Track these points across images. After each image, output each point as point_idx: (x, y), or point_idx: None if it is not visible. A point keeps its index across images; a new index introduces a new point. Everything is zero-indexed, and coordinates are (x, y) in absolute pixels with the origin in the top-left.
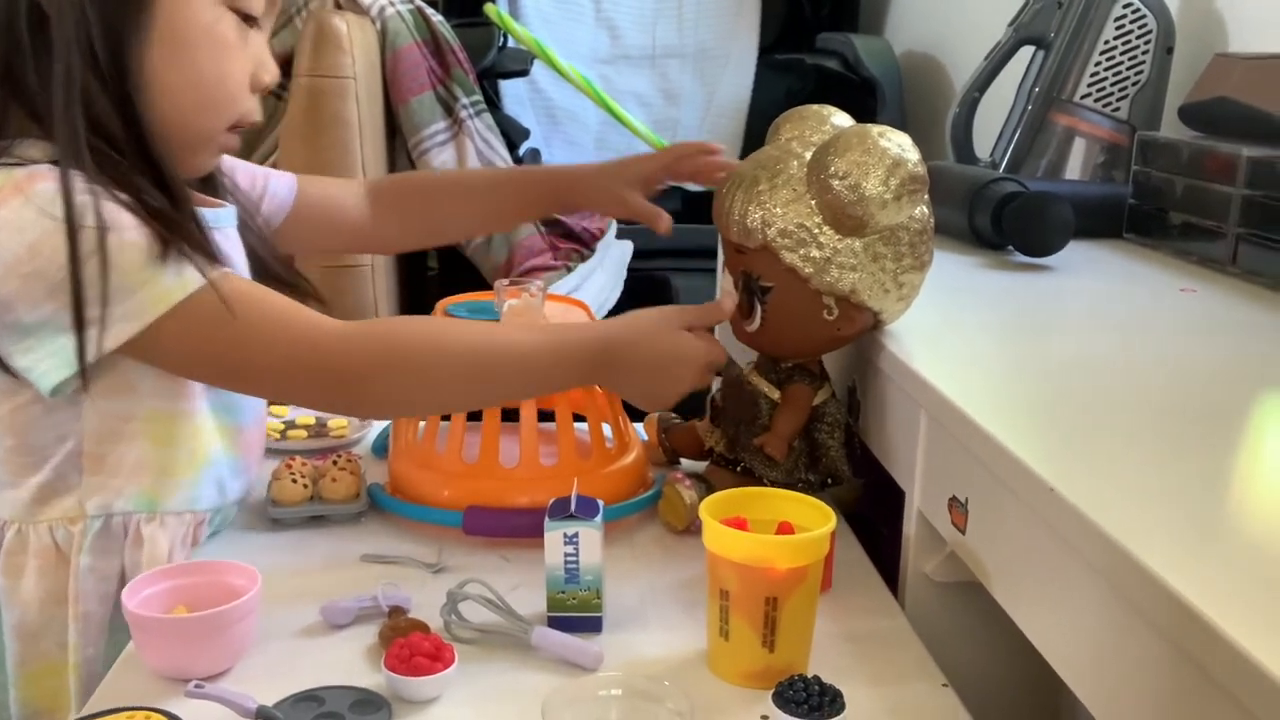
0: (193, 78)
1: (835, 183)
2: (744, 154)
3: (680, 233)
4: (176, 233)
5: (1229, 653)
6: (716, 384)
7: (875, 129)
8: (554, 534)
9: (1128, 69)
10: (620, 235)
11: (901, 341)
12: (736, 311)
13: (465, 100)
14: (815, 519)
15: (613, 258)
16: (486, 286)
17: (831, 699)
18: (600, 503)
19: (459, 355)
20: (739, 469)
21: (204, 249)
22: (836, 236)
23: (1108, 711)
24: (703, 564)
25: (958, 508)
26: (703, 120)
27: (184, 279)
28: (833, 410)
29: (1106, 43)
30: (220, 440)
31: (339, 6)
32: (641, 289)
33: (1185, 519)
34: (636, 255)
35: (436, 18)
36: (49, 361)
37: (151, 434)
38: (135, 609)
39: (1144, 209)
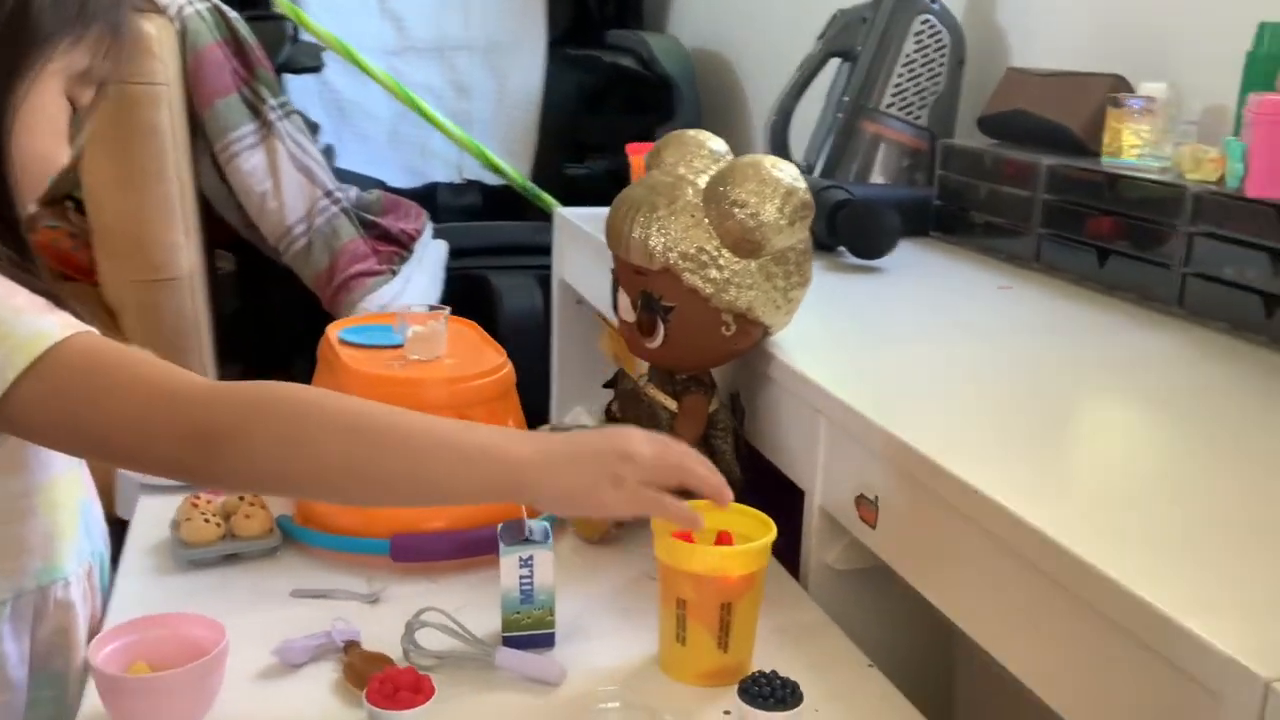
0: (31, 156)
1: (736, 210)
2: (539, 148)
3: (493, 229)
4: (26, 283)
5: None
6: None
7: (766, 160)
8: (510, 558)
9: (926, 80)
10: (435, 234)
11: (782, 349)
12: (635, 329)
13: (273, 101)
14: (753, 526)
15: (430, 258)
16: (292, 288)
17: (791, 690)
18: (548, 526)
19: (348, 423)
20: None
21: (55, 300)
22: (735, 259)
23: (1025, 668)
24: (626, 571)
25: (866, 504)
26: (495, 113)
27: (42, 333)
28: (723, 417)
29: (908, 56)
30: (82, 482)
31: (136, 8)
32: (461, 289)
33: (1075, 501)
34: (452, 254)
35: (233, 15)
36: None
37: (47, 502)
38: (106, 669)
39: (948, 210)
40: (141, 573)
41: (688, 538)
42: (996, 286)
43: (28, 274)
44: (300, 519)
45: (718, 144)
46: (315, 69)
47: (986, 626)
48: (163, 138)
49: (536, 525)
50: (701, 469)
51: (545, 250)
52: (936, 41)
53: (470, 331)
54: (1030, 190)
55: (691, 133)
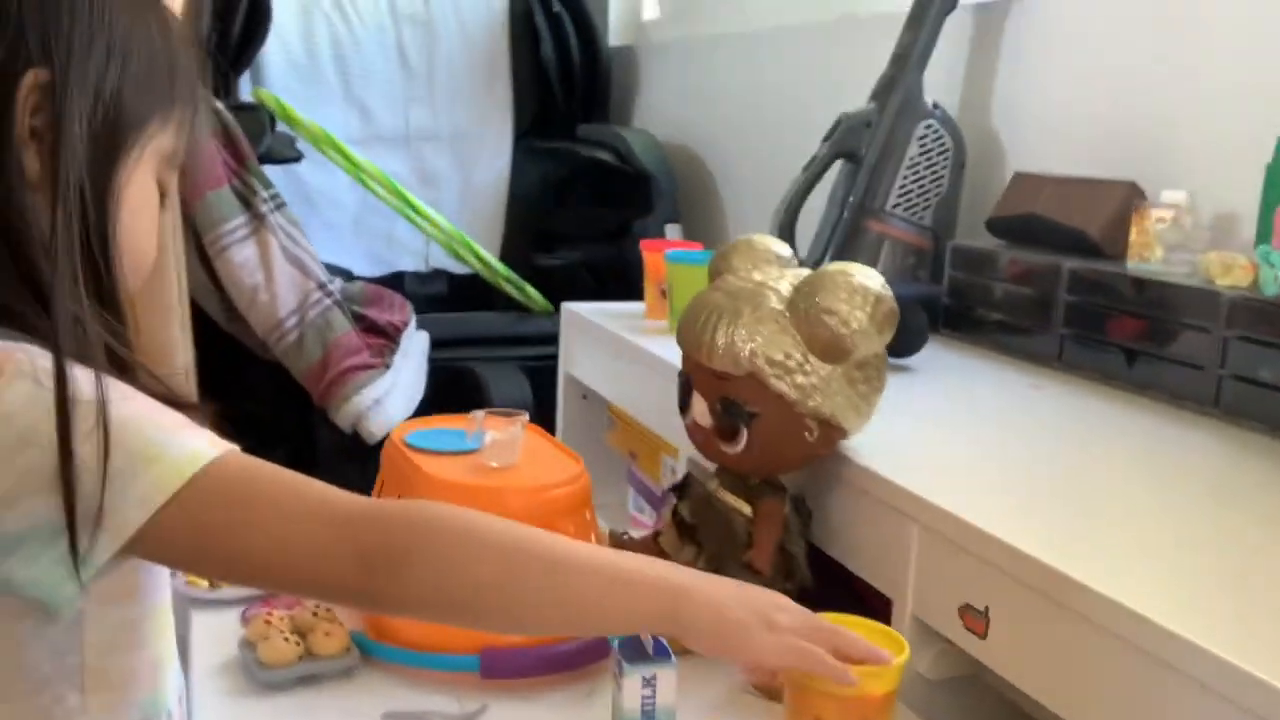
0: (133, 246)
1: (827, 317)
2: (505, 238)
3: (473, 320)
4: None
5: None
6: (669, 500)
7: (853, 267)
8: (633, 678)
9: (930, 182)
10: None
11: (856, 452)
12: (715, 434)
13: (264, 193)
14: (883, 640)
15: (415, 350)
16: (264, 381)
17: None
18: (666, 643)
19: (511, 544)
20: None
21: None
22: (821, 365)
23: None
24: (715, 687)
25: (973, 615)
26: (461, 203)
27: (196, 453)
28: (794, 522)
29: (912, 159)
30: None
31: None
32: (447, 381)
33: (1219, 610)
34: (434, 345)
35: (219, 106)
36: (61, 570)
37: (155, 629)
38: None
39: (957, 308)
40: (217, 695)
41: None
42: (1029, 385)
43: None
44: (375, 635)
45: (784, 249)
46: (295, 159)
47: None
48: (163, 231)
49: (655, 641)
50: (857, 637)
51: (528, 341)
52: (939, 145)
53: (539, 437)
54: (1052, 291)
55: (758, 238)
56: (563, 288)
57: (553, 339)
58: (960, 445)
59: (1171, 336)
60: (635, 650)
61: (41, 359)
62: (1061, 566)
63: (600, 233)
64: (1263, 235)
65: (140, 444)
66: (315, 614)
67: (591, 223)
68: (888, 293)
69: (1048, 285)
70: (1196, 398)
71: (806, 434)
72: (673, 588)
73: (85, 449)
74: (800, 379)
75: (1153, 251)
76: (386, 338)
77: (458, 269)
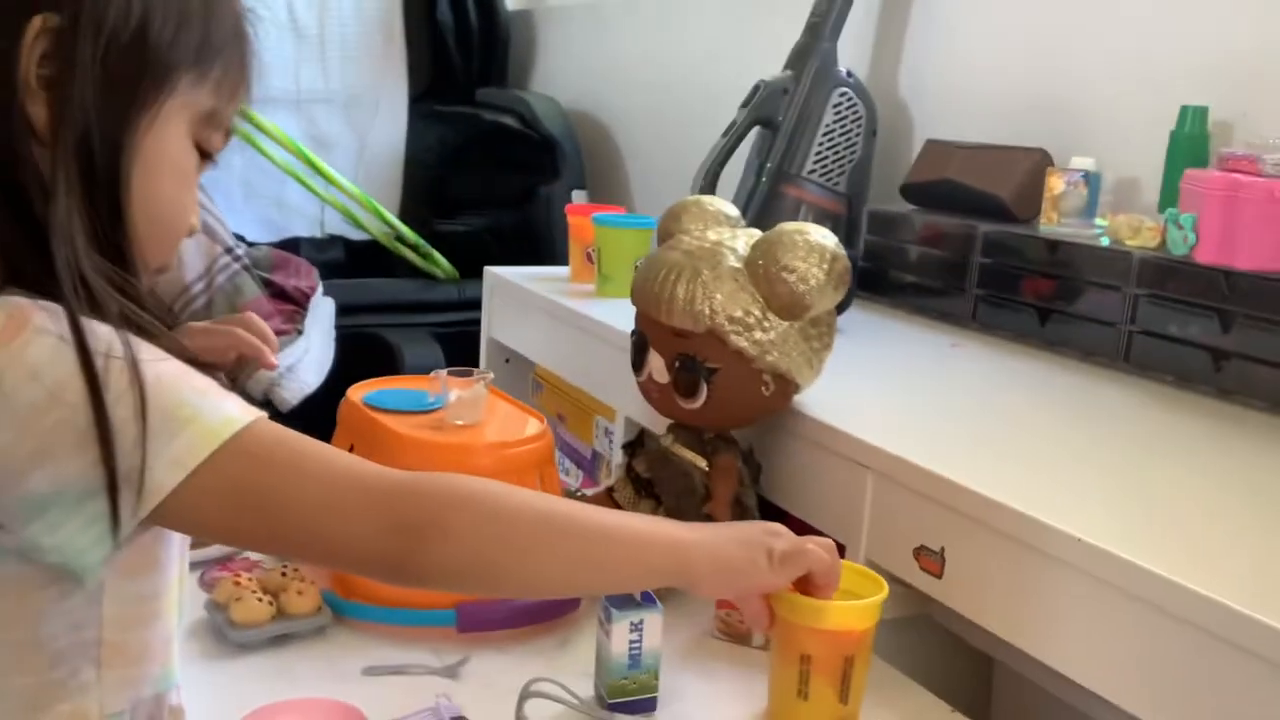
0: (160, 204)
1: (786, 275)
2: (403, 203)
3: (379, 286)
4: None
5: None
6: (620, 457)
7: (805, 226)
8: (621, 623)
9: (844, 148)
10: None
11: (805, 406)
12: (673, 390)
13: None
14: (863, 580)
15: (322, 315)
16: None
17: None
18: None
19: (560, 523)
20: None
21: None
22: (779, 322)
23: (1154, 711)
24: (686, 633)
25: (929, 555)
26: (356, 167)
27: (230, 418)
28: (746, 473)
29: (827, 126)
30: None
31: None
32: (357, 347)
33: (1150, 533)
34: (341, 312)
35: None
36: (87, 535)
37: (170, 604)
38: None
39: (874, 271)
40: (189, 659)
41: (806, 593)
42: (949, 344)
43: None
44: (344, 593)
45: (731, 210)
46: None
47: (1087, 666)
48: None
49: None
50: (825, 553)
51: (437, 307)
52: (853, 113)
53: (498, 397)
54: (967, 253)
55: (707, 199)
56: (466, 253)
57: (461, 305)
58: (894, 400)
59: (1083, 295)
60: (622, 598)
61: (65, 318)
62: (1017, 506)
63: (504, 198)
64: (1168, 199)
65: (174, 405)
66: (284, 574)
67: (494, 188)
68: (842, 251)
69: (962, 248)
70: (1106, 353)
71: (763, 389)
72: (680, 544)
73: (120, 408)
74: (759, 335)
75: (1062, 214)
76: (295, 304)
77: (355, 235)
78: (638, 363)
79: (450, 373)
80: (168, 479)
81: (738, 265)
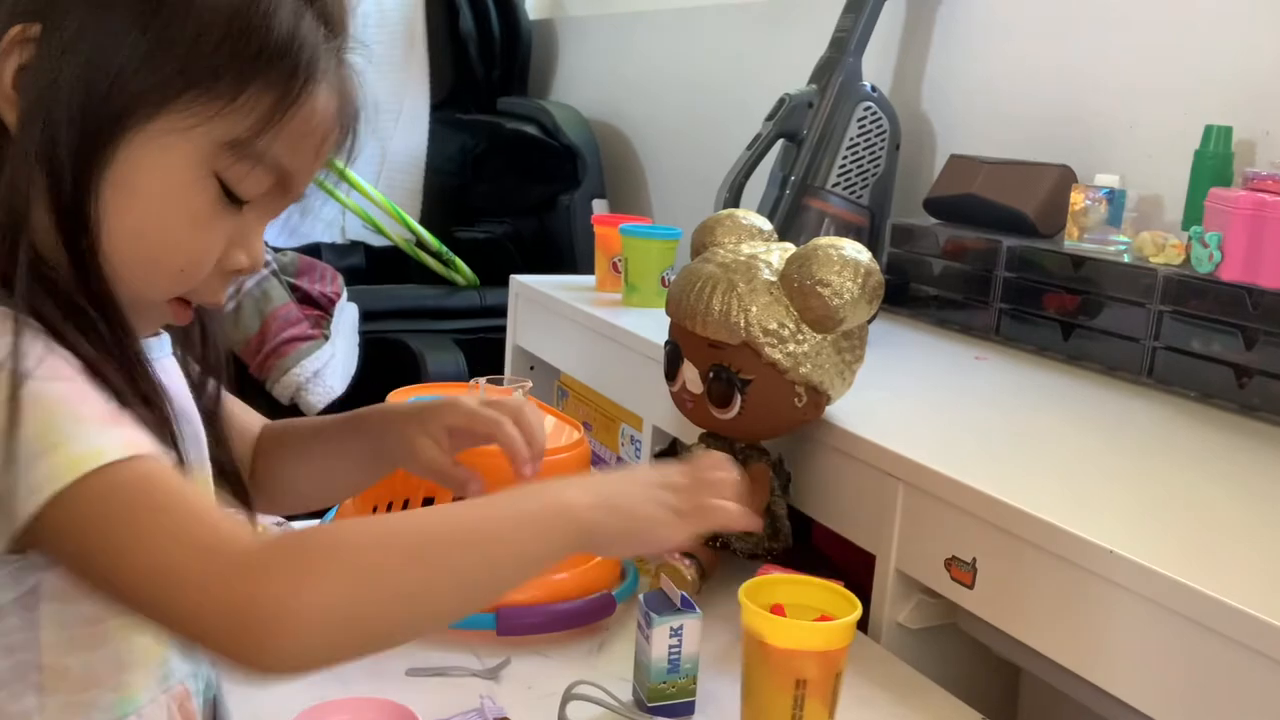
0: (138, 232)
1: (820, 289)
2: (424, 210)
3: (402, 292)
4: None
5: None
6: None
7: (839, 241)
8: (661, 628)
9: (868, 162)
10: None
11: (836, 417)
12: (707, 400)
13: None
14: (840, 600)
15: (346, 321)
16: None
17: None
18: (686, 595)
19: (435, 547)
20: (716, 544)
21: (153, 407)
22: (813, 334)
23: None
24: (719, 637)
25: (960, 566)
26: (379, 175)
27: (96, 448)
28: (776, 483)
29: (851, 139)
30: None
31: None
32: (380, 353)
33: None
34: (364, 318)
35: None
36: None
37: (121, 627)
38: None
39: (897, 284)
40: None
41: (781, 614)
42: (974, 357)
43: (119, 368)
44: None
45: (764, 223)
46: None
47: (1118, 677)
48: None
49: (680, 592)
50: (732, 507)
51: (458, 314)
52: (877, 127)
53: (536, 405)
54: (991, 267)
55: (740, 213)
56: (485, 261)
57: (482, 312)
58: (921, 411)
59: (1106, 311)
60: (662, 603)
61: None
62: (1050, 518)
63: (524, 206)
64: (1192, 217)
65: (44, 428)
66: None
67: (514, 196)
68: (876, 266)
69: (986, 262)
70: (1129, 367)
71: (796, 400)
72: (573, 511)
73: None
74: (792, 347)
75: (1086, 230)
76: (321, 309)
77: (375, 241)
78: (671, 373)
79: (488, 380)
80: (24, 506)
81: (772, 279)
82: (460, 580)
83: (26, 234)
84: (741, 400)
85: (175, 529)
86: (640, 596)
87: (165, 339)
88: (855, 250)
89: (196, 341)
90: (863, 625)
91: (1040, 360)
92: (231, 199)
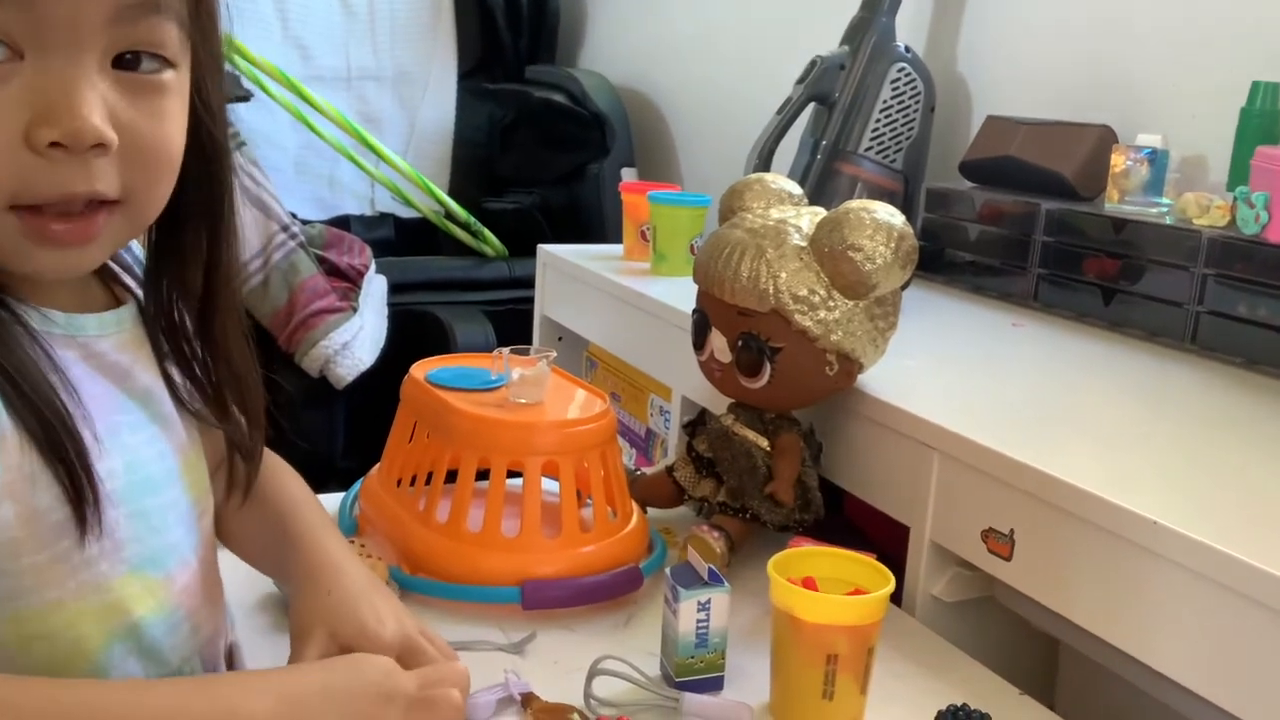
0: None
1: (852, 254)
2: (452, 180)
3: (430, 264)
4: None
5: None
6: (678, 436)
7: (871, 204)
8: (688, 602)
9: (902, 125)
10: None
11: (868, 385)
12: (736, 370)
13: None
14: (872, 573)
15: (374, 293)
16: None
17: None
18: (714, 568)
19: (38, 704)
20: (746, 515)
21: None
22: (844, 301)
23: (1228, 696)
24: (748, 611)
25: (997, 538)
26: (407, 144)
27: None
28: (807, 453)
29: (884, 102)
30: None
31: None
32: (409, 324)
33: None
34: (392, 289)
35: None
36: None
37: (23, 636)
38: None
39: (932, 250)
40: (257, 632)
41: (813, 588)
42: (1010, 323)
43: None
44: (411, 569)
45: (794, 188)
46: (244, 98)
47: (1160, 649)
48: None
49: (707, 566)
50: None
51: (487, 285)
52: (911, 89)
53: (561, 376)
54: (1029, 231)
55: (769, 177)
56: (514, 232)
57: (511, 283)
58: (957, 379)
59: (1148, 275)
60: (689, 576)
61: None
62: (1090, 488)
63: (552, 176)
64: (1238, 177)
65: None
66: (354, 547)
67: (543, 165)
68: (909, 229)
69: (1024, 226)
70: (1172, 333)
71: (827, 368)
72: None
73: None
74: (823, 314)
75: (1127, 192)
76: (349, 281)
77: (404, 213)
78: (699, 342)
79: (512, 351)
80: None
81: (802, 244)
82: None
83: None
84: (771, 369)
85: None
86: (667, 570)
87: (128, 309)
88: (888, 214)
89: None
90: (896, 598)
91: (1080, 327)
92: (12, 55)
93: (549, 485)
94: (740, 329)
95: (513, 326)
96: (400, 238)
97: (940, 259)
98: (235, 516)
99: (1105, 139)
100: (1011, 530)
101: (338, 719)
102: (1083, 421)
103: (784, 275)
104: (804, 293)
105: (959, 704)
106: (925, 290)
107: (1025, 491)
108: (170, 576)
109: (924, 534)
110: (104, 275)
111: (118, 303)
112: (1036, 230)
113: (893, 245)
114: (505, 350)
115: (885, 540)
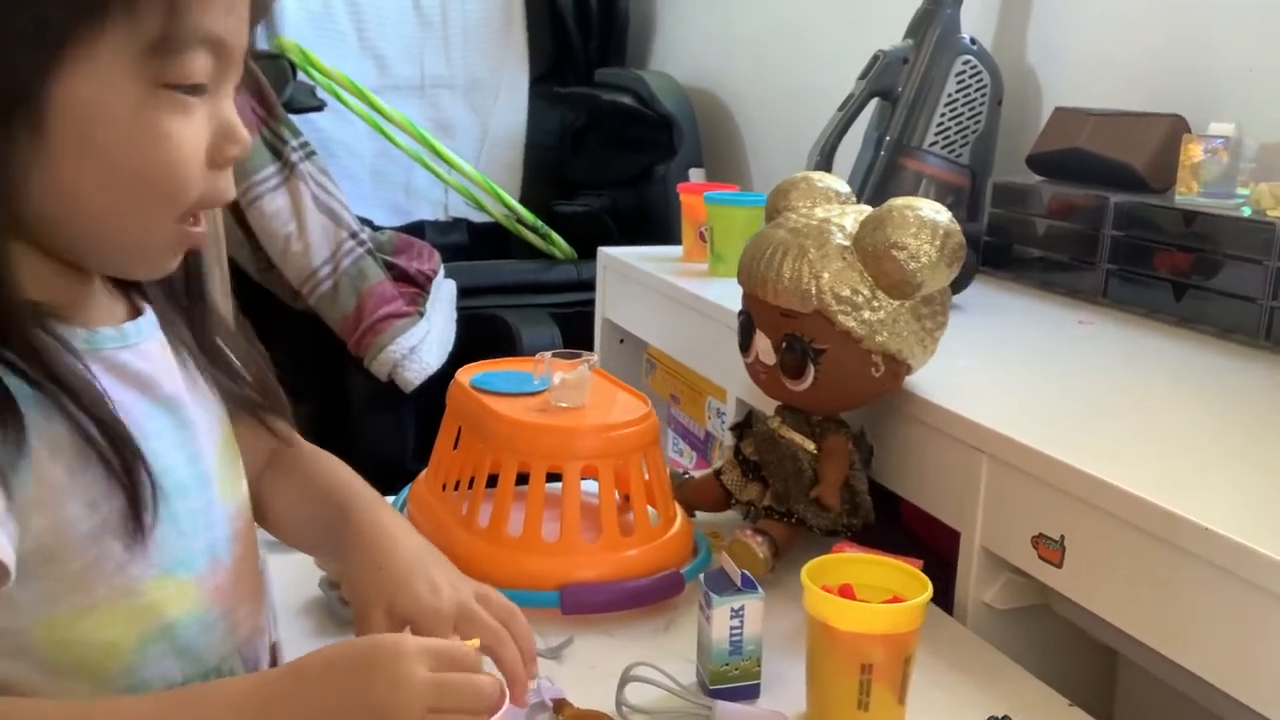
0: (113, 179)
1: (896, 252)
2: (524, 186)
3: (499, 268)
4: None
5: None
6: (730, 439)
7: (916, 201)
8: (721, 609)
9: (968, 119)
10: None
11: (919, 387)
12: (780, 372)
13: (294, 142)
14: (908, 579)
15: (443, 298)
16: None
17: None
18: (749, 573)
19: None
20: (791, 520)
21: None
22: (889, 300)
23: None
24: (792, 617)
25: (1048, 544)
26: (479, 151)
27: None
28: (857, 457)
29: (950, 96)
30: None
31: None
32: (477, 329)
33: None
34: (461, 293)
35: None
36: None
37: (48, 641)
38: None
39: (999, 246)
40: (302, 636)
41: (850, 596)
42: (1076, 321)
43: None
44: None
45: (842, 186)
46: (317, 108)
47: (1218, 664)
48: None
49: (741, 572)
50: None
51: (555, 288)
52: (977, 81)
53: (604, 379)
54: (1098, 226)
55: (816, 175)
56: (584, 234)
57: (579, 285)
58: (1015, 379)
59: (1222, 270)
60: (723, 583)
61: None
62: (1143, 494)
63: (621, 178)
64: None
65: None
66: None
67: (611, 168)
68: (955, 226)
69: (1093, 220)
70: (1246, 330)
71: (873, 370)
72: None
73: None
74: (867, 315)
75: (1200, 183)
76: (417, 286)
77: (477, 217)
78: (745, 343)
79: (555, 355)
80: None
81: (845, 243)
82: None
83: None
84: (815, 371)
85: None
86: (700, 576)
87: (147, 320)
88: (933, 210)
89: (180, 293)
90: (947, 605)
91: (1150, 323)
92: (188, 93)
93: (594, 489)
94: (784, 330)
95: (580, 329)
96: (473, 242)
97: (1008, 255)
98: (281, 496)
99: (1177, 129)
100: (1062, 536)
101: (343, 690)
102: (1143, 422)
103: (826, 275)
104: (847, 293)
105: (1000, 715)
106: (993, 288)
107: (1075, 495)
108: (201, 577)
109: (974, 539)
110: (124, 286)
111: (138, 313)
112: (1105, 224)
113: (938, 243)
114: (547, 354)
115: (942, 546)
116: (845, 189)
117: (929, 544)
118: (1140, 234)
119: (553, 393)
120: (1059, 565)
